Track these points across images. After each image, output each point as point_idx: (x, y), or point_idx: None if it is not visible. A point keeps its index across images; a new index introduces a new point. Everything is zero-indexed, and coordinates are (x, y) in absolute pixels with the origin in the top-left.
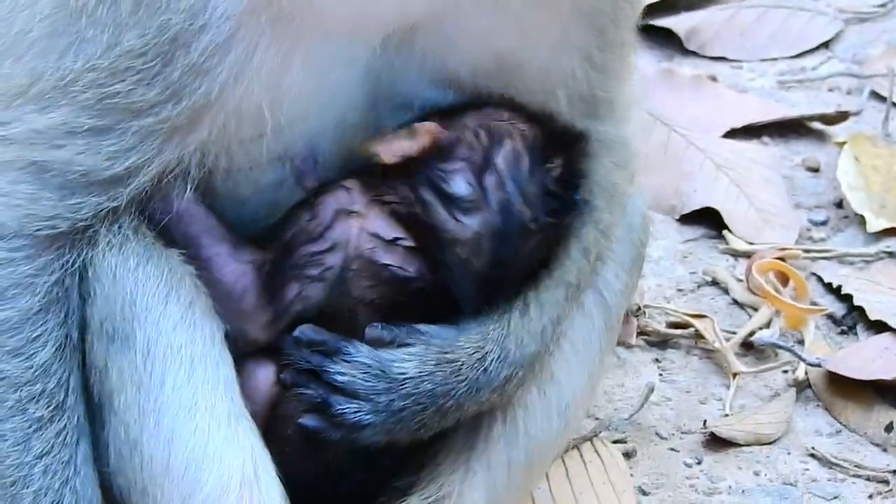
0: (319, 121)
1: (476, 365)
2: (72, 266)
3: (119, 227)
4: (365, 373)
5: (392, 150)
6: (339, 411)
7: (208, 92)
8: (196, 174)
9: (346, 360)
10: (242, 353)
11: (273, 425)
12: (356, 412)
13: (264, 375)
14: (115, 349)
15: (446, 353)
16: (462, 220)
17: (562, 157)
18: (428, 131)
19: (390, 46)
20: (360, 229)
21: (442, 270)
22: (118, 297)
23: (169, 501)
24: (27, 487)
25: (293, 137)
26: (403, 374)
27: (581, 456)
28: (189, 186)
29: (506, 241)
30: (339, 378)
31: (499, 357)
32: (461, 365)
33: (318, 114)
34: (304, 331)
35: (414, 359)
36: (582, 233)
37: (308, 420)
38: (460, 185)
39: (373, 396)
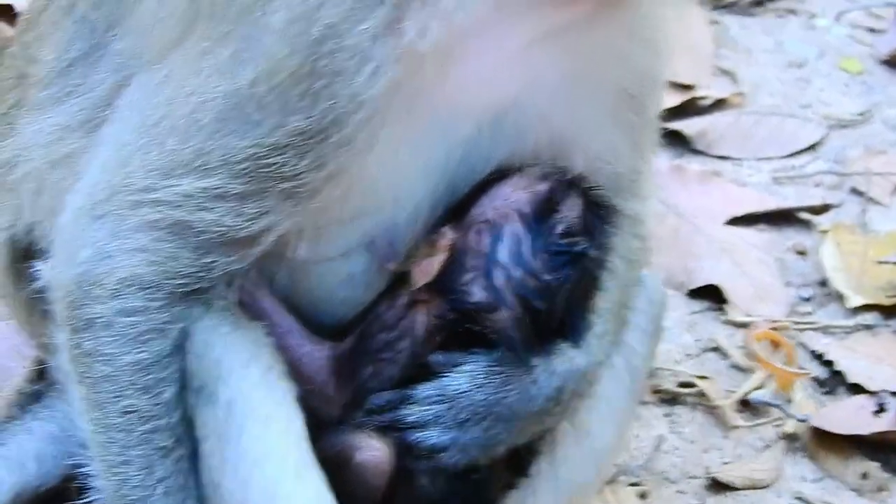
0: (417, 195)
1: (524, 377)
2: (194, 319)
3: (223, 297)
4: (429, 404)
5: (424, 272)
6: (417, 441)
7: (345, 159)
8: (304, 233)
9: (412, 403)
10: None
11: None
12: (429, 436)
13: (375, 454)
14: (202, 402)
15: (493, 366)
16: (492, 318)
17: (567, 201)
18: (443, 247)
19: (488, 127)
20: (427, 314)
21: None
22: (207, 357)
23: None
24: None
25: (389, 215)
26: (457, 389)
27: (604, 497)
28: (282, 272)
29: (535, 311)
30: (411, 418)
31: (545, 369)
32: (508, 376)
33: (423, 188)
34: (373, 401)
35: (465, 375)
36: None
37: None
38: (477, 294)
39: (439, 418)
